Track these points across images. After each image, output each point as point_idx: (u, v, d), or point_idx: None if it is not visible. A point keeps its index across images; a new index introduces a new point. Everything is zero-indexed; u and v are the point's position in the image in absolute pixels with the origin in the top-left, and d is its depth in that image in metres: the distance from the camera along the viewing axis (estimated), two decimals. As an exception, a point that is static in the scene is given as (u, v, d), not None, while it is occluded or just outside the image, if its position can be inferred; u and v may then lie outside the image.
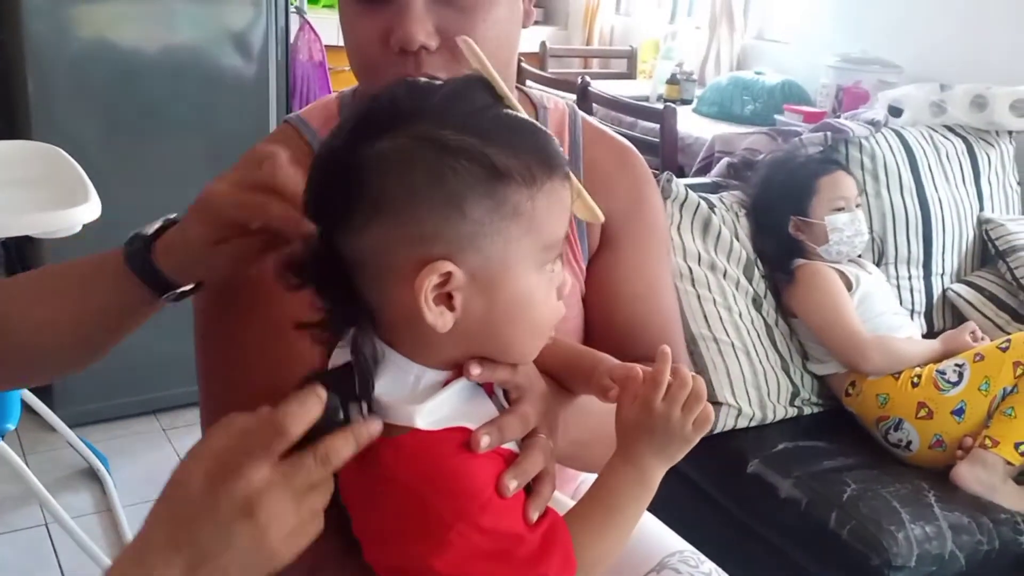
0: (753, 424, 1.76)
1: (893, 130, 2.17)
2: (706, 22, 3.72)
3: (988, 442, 1.61)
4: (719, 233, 1.87)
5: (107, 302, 0.78)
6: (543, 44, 3.95)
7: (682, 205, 1.87)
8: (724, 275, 1.84)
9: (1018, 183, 2.33)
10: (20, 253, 2.39)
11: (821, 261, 1.85)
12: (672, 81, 3.37)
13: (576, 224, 0.93)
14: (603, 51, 4.31)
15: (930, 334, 2.06)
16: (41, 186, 1.67)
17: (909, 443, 1.69)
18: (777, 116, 2.85)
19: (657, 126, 2.67)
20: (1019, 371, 1.64)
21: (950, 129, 2.27)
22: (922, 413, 1.68)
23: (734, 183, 2.08)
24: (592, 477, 1.05)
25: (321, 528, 0.61)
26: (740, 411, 1.74)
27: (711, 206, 1.90)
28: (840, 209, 1.84)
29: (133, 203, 2.22)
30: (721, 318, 1.79)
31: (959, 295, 2.12)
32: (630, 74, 3.98)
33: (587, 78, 2.99)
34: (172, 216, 0.78)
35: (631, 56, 4.02)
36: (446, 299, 0.62)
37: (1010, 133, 2.32)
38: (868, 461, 1.69)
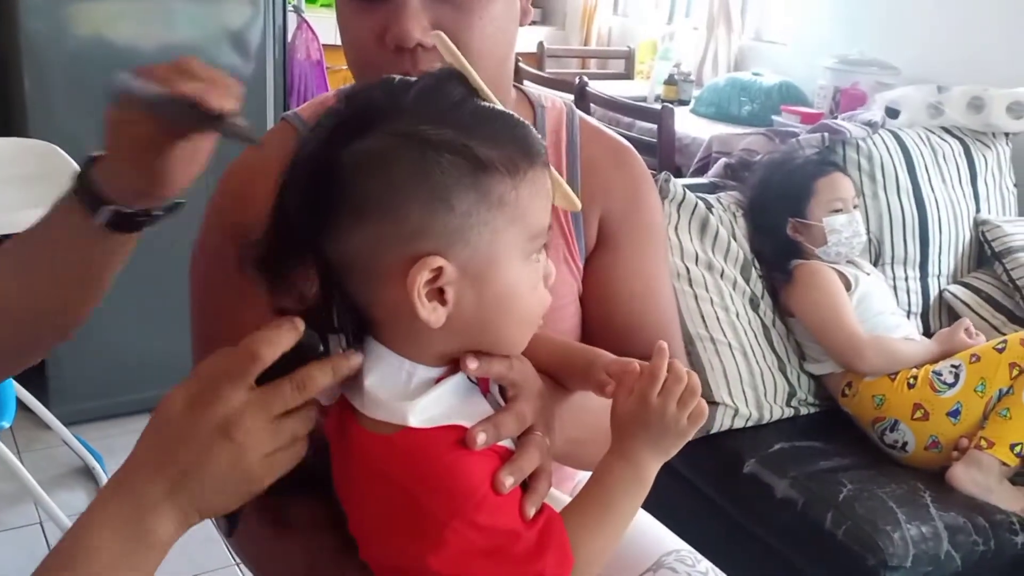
0: (749, 424, 1.76)
1: (890, 131, 2.18)
2: (704, 23, 3.73)
3: (984, 443, 1.61)
4: (716, 233, 1.87)
5: (76, 251, 0.78)
6: (541, 44, 3.95)
7: (680, 205, 1.87)
8: (721, 275, 1.84)
9: (1014, 185, 2.33)
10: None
11: (819, 261, 1.86)
12: (670, 82, 3.37)
13: (573, 223, 0.93)
14: (601, 51, 4.32)
15: (926, 335, 2.06)
16: (37, 183, 1.67)
17: (905, 444, 1.70)
18: (774, 117, 2.85)
19: (655, 126, 2.67)
20: (1015, 372, 1.64)
21: (947, 131, 2.27)
22: (918, 414, 1.68)
23: (731, 183, 2.09)
24: (589, 475, 1.06)
25: (303, 454, 0.64)
26: (737, 411, 1.74)
27: (709, 206, 1.90)
28: (838, 211, 1.84)
29: (129, 201, 2.22)
30: (718, 318, 1.79)
31: (955, 296, 2.12)
32: (628, 75, 3.98)
33: (584, 78, 2.99)
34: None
35: (629, 57, 4.02)
36: (438, 294, 0.62)
37: (1007, 135, 2.33)
38: (864, 462, 1.69)
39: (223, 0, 2.31)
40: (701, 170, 2.58)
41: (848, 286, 1.82)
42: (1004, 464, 1.61)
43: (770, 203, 1.91)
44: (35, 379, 2.20)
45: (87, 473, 2.20)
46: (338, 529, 0.73)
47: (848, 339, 1.75)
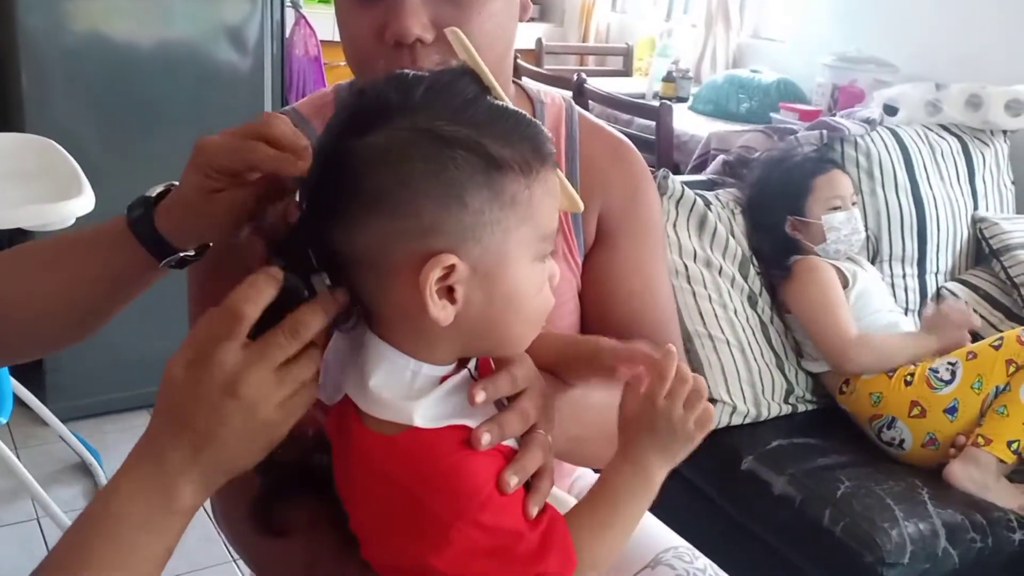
0: (747, 421, 1.76)
1: (888, 129, 2.18)
2: (702, 20, 3.72)
3: (981, 440, 1.61)
4: (715, 230, 1.87)
5: (107, 269, 0.78)
6: (539, 41, 3.94)
7: (678, 202, 1.87)
8: (720, 272, 1.84)
9: (1012, 182, 2.33)
10: (12, 246, 2.38)
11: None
12: (668, 79, 3.37)
13: (572, 220, 0.93)
14: (599, 48, 4.31)
15: (924, 333, 2.07)
16: (34, 179, 1.67)
17: (902, 441, 1.70)
18: (773, 114, 2.85)
19: (653, 123, 2.67)
20: (1011, 369, 1.64)
21: (945, 128, 2.28)
22: (915, 411, 1.69)
23: (730, 181, 2.08)
24: (589, 472, 1.06)
25: (315, 396, 0.65)
26: (735, 408, 1.74)
27: (707, 203, 1.90)
28: (836, 208, 1.84)
29: (127, 196, 2.21)
30: (716, 315, 1.79)
31: (953, 293, 2.12)
32: (626, 71, 3.98)
33: (583, 75, 2.99)
34: (176, 183, 0.78)
35: (627, 53, 4.02)
36: (447, 292, 0.61)
37: (1005, 132, 2.33)
38: (862, 459, 1.69)
39: (221, -4, 2.31)
40: (699, 167, 2.58)
41: (846, 283, 1.82)
42: (1001, 461, 1.61)
43: (768, 201, 1.91)
44: (32, 375, 2.20)
45: (84, 469, 2.20)
46: (338, 529, 0.73)
47: (836, 340, 1.75)
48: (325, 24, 2.73)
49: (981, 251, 2.19)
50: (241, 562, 1.86)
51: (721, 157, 2.26)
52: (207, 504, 0.81)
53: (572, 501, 0.72)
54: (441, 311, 0.61)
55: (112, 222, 0.78)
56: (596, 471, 0.75)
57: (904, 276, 2.11)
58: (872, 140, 2.12)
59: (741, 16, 3.68)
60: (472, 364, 0.67)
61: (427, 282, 0.59)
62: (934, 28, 2.83)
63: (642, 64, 3.92)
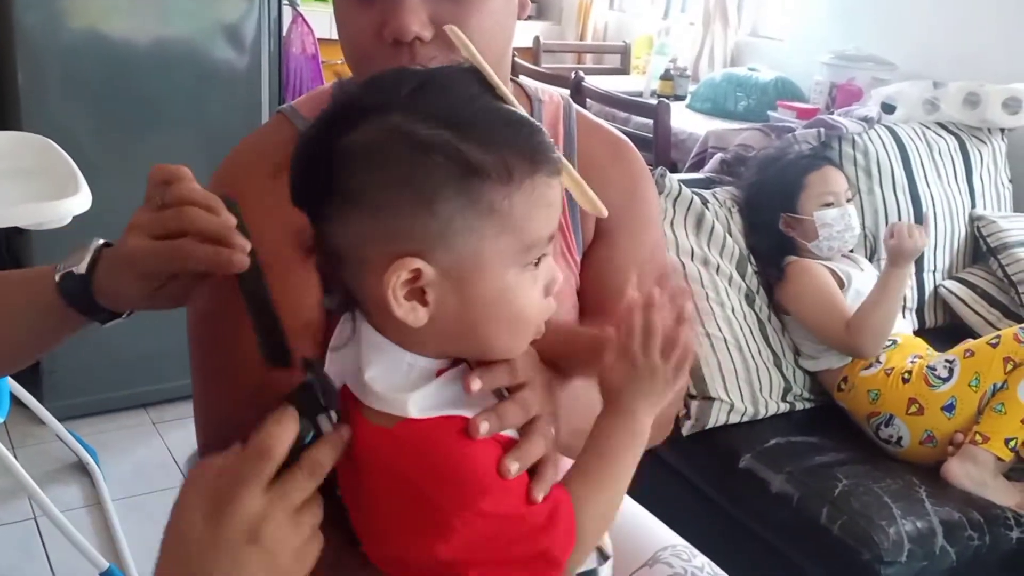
0: (745, 419, 1.76)
1: (886, 127, 2.18)
2: (700, 18, 3.72)
3: (978, 438, 1.61)
4: (712, 229, 1.87)
5: (35, 324, 0.79)
6: (537, 39, 3.94)
7: (675, 200, 1.87)
8: (717, 270, 1.84)
9: (1010, 180, 2.34)
10: (9, 245, 2.38)
11: (812, 257, 1.86)
12: (666, 77, 3.37)
13: (571, 216, 0.92)
14: (597, 47, 4.31)
15: (921, 331, 2.07)
16: (31, 177, 1.66)
17: (900, 439, 1.70)
18: (770, 112, 2.85)
19: (651, 122, 2.67)
20: (1009, 367, 1.64)
21: (943, 126, 2.28)
22: (913, 409, 1.69)
23: (727, 179, 2.09)
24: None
25: (321, 545, 0.63)
26: (732, 406, 1.74)
27: (704, 202, 1.90)
28: (829, 204, 1.84)
29: (124, 195, 2.20)
30: (714, 313, 1.79)
31: (951, 292, 2.13)
32: (624, 70, 3.98)
33: (580, 73, 2.99)
34: (99, 243, 0.78)
35: (625, 52, 4.02)
36: (419, 294, 0.61)
37: (1002, 130, 2.33)
38: (859, 456, 1.69)
39: (218, -7, 2.31)
40: (697, 165, 2.58)
41: (841, 284, 1.82)
42: (999, 459, 1.61)
43: (763, 199, 1.91)
44: (30, 374, 2.20)
45: (81, 468, 2.20)
46: (336, 529, 0.73)
47: (842, 334, 1.75)
48: (322, 22, 2.73)
49: (979, 249, 2.19)
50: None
51: (718, 155, 2.26)
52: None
53: None
54: (409, 313, 0.61)
55: (43, 278, 0.77)
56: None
57: (902, 274, 2.11)
58: (870, 138, 2.12)
59: (739, 14, 3.67)
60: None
61: (389, 283, 0.59)
62: (932, 26, 2.83)
63: (640, 62, 3.92)
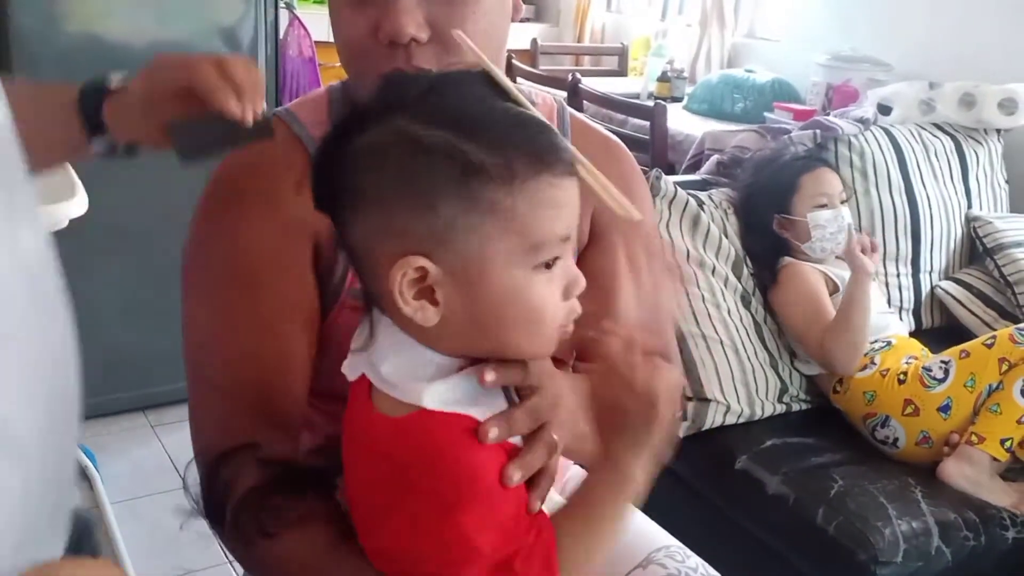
0: (741, 421, 1.76)
1: (882, 128, 2.18)
2: (697, 20, 3.73)
3: (974, 438, 1.62)
4: (708, 230, 1.88)
5: (44, 128, 0.79)
6: (534, 41, 3.94)
7: (671, 202, 1.87)
8: (713, 272, 1.84)
9: (1006, 181, 2.34)
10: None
11: (806, 259, 1.86)
12: (663, 78, 3.37)
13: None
14: (594, 48, 4.31)
15: (918, 331, 2.08)
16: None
17: (896, 440, 1.70)
18: (767, 114, 2.86)
19: (647, 123, 2.67)
20: (1004, 367, 1.64)
21: (939, 127, 2.28)
22: (908, 410, 1.69)
23: (723, 181, 2.09)
24: (579, 473, 1.06)
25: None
26: (728, 408, 1.75)
27: (700, 203, 1.90)
28: (823, 206, 1.85)
29: (120, 198, 2.21)
30: (710, 315, 1.79)
31: (947, 292, 2.13)
32: (621, 71, 3.98)
33: (578, 75, 2.99)
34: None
35: (622, 53, 4.02)
36: (429, 293, 0.62)
37: (998, 131, 2.34)
38: (855, 457, 1.69)
39: (215, -4, 2.31)
40: (694, 167, 2.59)
41: (835, 288, 1.83)
42: (994, 459, 1.61)
43: (758, 200, 1.91)
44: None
45: (80, 472, 2.19)
46: (332, 526, 0.73)
47: (818, 348, 1.76)
48: (319, 25, 2.73)
49: (975, 250, 2.19)
50: (236, 564, 1.87)
51: (715, 157, 2.26)
52: (203, 505, 0.81)
53: (561, 501, 0.73)
54: (417, 311, 0.62)
55: (66, 87, 0.81)
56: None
57: (898, 275, 2.11)
58: (866, 139, 2.12)
59: (736, 15, 3.68)
60: None
61: (395, 282, 0.61)
62: (928, 27, 2.84)
63: (637, 64, 3.92)
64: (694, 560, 0.96)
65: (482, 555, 0.63)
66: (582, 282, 0.66)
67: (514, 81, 0.99)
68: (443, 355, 0.65)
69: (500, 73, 0.67)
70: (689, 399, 1.75)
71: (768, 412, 1.80)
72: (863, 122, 2.17)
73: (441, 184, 0.60)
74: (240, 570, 0.95)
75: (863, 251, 1.71)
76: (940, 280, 2.17)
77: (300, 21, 2.73)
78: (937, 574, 1.50)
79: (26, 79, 0.86)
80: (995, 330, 1.82)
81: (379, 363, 0.65)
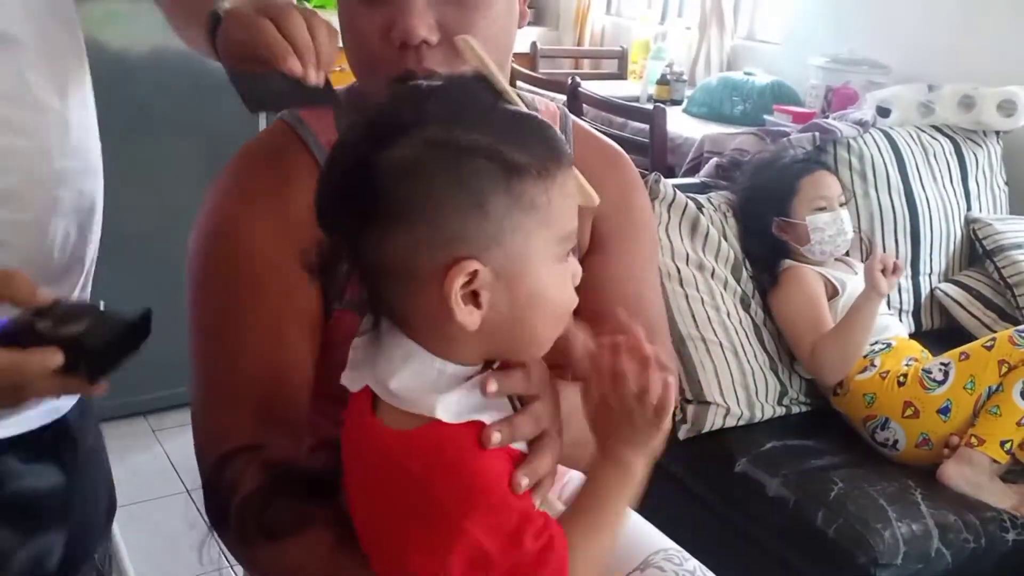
0: (741, 423, 1.77)
1: (881, 130, 2.19)
2: (696, 23, 3.73)
3: (974, 440, 1.62)
4: (707, 233, 1.88)
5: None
6: (534, 44, 3.95)
7: (670, 205, 1.87)
8: (712, 275, 1.85)
9: (1005, 183, 2.34)
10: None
11: (806, 262, 1.86)
12: (662, 81, 3.38)
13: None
14: (593, 51, 4.32)
15: (918, 333, 2.08)
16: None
17: (896, 442, 1.70)
18: (766, 116, 2.86)
19: (647, 126, 2.68)
20: (1004, 369, 1.65)
21: (938, 129, 2.29)
22: (908, 412, 1.69)
23: (722, 183, 2.09)
24: (577, 477, 1.06)
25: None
26: (728, 410, 1.75)
27: (699, 206, 1.91)
28: (822, 209, 1.85)
29: (124, 203, 2.20)
30: (709, 318, 1.80)
31: (947, 294, 2.13)
32: (620, 74, 3.99)
33: (577, 78, 2.99)
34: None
35: (621, 56, 4.03)
36: (472, 297, 0.63)
37: (997, 133, 2.34)
38: (855, 460, 1.69)
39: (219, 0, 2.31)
40: (693, 170, 2.59)
41: (836, 292, 1.83)
42: (994, 461, 1.61)
43: (757, 203, 1.92)
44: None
45: (81, 475, 2.20)
46: (332, 529, 0.73)
47: (810, 354, 1.76)
48: (320, 29, 2.74)
49: (974, 252, 2.20)
50: (238, 568, 1.87)
51: (714, 160, 2.26)
52: (202, 505, 0.81)
53: (561, 507, 0.73)
54: (467, 316, 0.62)
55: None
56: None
57: (898, 277, 2.11)
58: (865, 142, 2.13)
59: (735, 18, 3.68)
60: (496, 365, 0.69)
61: (452, 289, 0.61)
62: (927, 29, 2.84)
63: (636, 67, 3.93)
64: (692, 563, 0.96)
65: (494, 563, 0.63)
66: (580, 272, 0.69)
67: (513, 85, 1.00)
68: (456, 364, 0.66)
69: (500, 77, 0.68)
70: (689, 402, 1.75)
71: (768, 415, 1.80)
72: (862, 124, 2.17)
73: (488, 185, 0.61)
74: (241, 572, 0.96)
75: (884, 271, 1.68)
76: (940, 282, 2.17)
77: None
78: (937, 576, 1.51)
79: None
80: (995, 332, 1.82)
81: (387, 377, 0.65)
